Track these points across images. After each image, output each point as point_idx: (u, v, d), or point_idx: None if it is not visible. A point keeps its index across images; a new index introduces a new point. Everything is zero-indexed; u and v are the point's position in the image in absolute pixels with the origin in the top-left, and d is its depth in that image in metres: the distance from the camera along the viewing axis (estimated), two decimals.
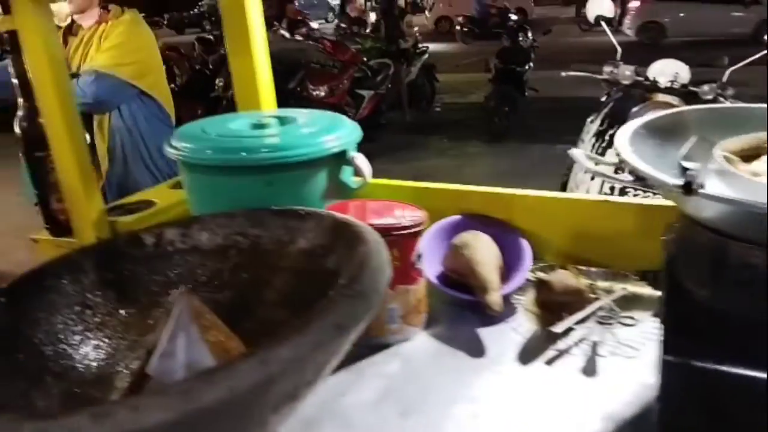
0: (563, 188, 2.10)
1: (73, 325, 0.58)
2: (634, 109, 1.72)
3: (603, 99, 2.24)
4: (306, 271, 0.62)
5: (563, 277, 0.69)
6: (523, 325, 0.68)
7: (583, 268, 0.74)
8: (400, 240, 0.65)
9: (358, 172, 0.75)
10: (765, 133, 0.55)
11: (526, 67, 5.44)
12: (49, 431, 0.33)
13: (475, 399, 0.58)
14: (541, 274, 0.69)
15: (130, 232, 0.65)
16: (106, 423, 0.33)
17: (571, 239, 0.77)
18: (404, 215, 0.68)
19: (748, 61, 1.68)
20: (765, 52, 1.69)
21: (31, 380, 0.51)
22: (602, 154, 1.78)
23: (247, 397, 0.37)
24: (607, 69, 1.85)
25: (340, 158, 0.71)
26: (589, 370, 0.60)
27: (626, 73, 1.78)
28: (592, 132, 1.86)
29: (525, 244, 0.76)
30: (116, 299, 0.62)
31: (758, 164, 0.53)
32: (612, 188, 1.69)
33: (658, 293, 0.68)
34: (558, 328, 0.64)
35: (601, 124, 1.84)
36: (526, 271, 0.73)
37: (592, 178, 1.77)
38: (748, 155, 0.56)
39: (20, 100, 0.66)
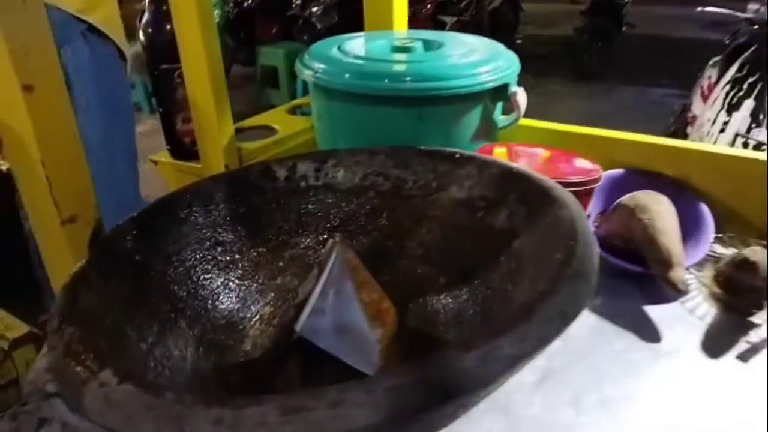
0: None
1: (204, 263, 0.53)
2: None
3: (727, 41, 1.97)
4: (460, 224, 0.54)
5: (756, 258, 0.57)
6: (701, 307, 0.58)
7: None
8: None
9: (509, 110, 0.64)
10: None
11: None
12: (235, 423, 0.26)
13: (654, 392, 0.49)
14: (737, 250, 0.57)
15: (261, 163, 0.58)
16: (298, 421, 0.27)
17: (760, 208, 0.64)
18: (574, 166, 0.57)
19: None
20: None
21: (164, 324, 0.46)
22: (738, 104, 1.57)
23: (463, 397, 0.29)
24: (753, 7, 1.59)
25: (498, 93, 0.60)
26: None
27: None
28: (727, 78, 1.63)
29: (705, 210, 0.64)
30: (246, 237, 0.55)
31: None
32: (745, 144, 1.49)
33: None
34: (758, 318, 0.53)
35: (740, 70, 1.61)
36: (707, 243, 0.61)
37: (722, 131, 1.57)
38: None
39: (146, 2, 0.58)
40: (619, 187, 0.66)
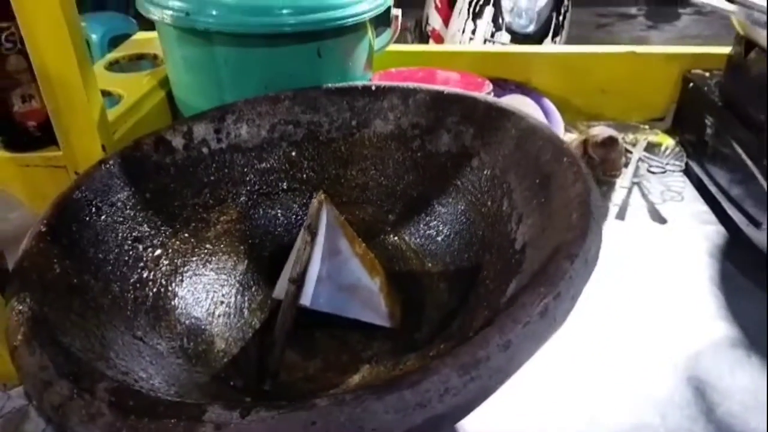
0: None
1: (133, 268, 0.42)
2: None
3: None
4: (395, 158, 0.53)
5: (613, 134, 0.69)
6: None
7: (599, 123, 0.76)
8: None
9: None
10: None
11: None
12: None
13: None
14: (596, 130, 0.68)
15: (152, 135, 0.47)
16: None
17: (587, 95, 0.77)
18: (467, 82, 0.60)
19: None
20: None
21: (131, 353, 0.37)
22: (480, 12, 1.79)
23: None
24: None
25: (384, 17, 0.59)
26: (658, 218, 0.64)
27: None
28: None
29: (550, 105, 0.74)
30: (163, 225, 0.46)
31: None
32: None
33: (673, 139, 0.73)
34: (624, 182, 0.66)
35: None
36: (560, 132, 0.72)
37: (471, 39, 1.78)
38: None
39: None
40: None
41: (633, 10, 4.18)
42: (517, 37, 1.79)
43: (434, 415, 0.25)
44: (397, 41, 0.66)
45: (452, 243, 0.48)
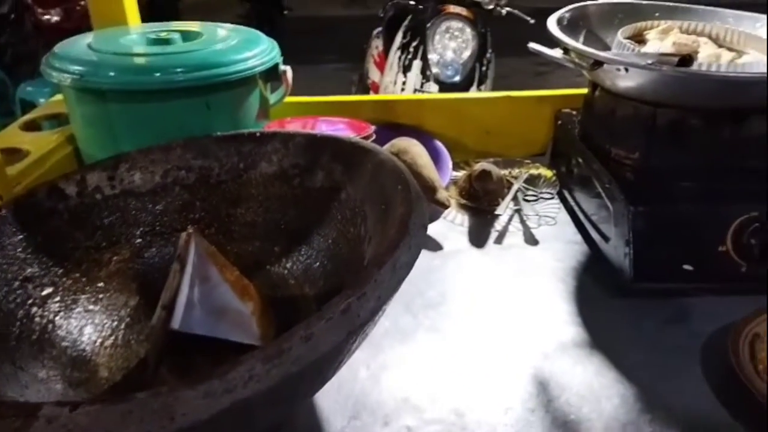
0: None
1: (21, 306, 0.46)
2: (434, 20, 1.87)
3: (381, 14, 2.36)
4: (279, 195, 0.59)
5: (488, 168, 0.77)
6: (458, 217, 0.76)
7: (486, 160, 0.84)
8: None
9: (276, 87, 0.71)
10: (648, 22, 0.70)
11: None
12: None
13: (456, 279, 0.64)
14: (478, 166, 0.76)
15: (46, 184, 0.52)
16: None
17: (473, 136, 0.86)
18: (350, 127, 0.67)
19: None
20: None
21: (6, 363, 0.40)
22: (410, 65, 1.92)
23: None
24: None
25: (271, 73, 0.66)
26: (532, 240, 0.71)
27: None
28: (396, 45, 1.96)
29: (441, 146, 0.82)
30: (54, 265, 0.50)
31: (650, 46, 0.67)
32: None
33: (551, 171, 0.82)
34: (500, 210, 0.73)
35: (404, 37, 1.96)
36: (449, 169, 0.80)
37: (403, 89, 1.90)
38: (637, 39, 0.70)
39: None
40: (376, 140, 0.79)
41: None
42: (445, 87, 1.92)
43: (240, 398, 0.29)
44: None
45: (326, 267, 0.54)
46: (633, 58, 0.57)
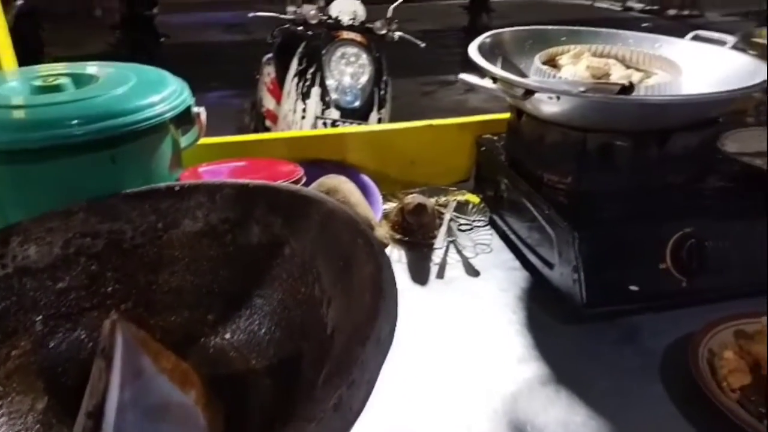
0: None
1: None
2: (329, 47, 1.85)
3: (270, 41, 2.30)
4: (209, 255, 0.52)
5: (422, 201, 0.75)
6: (394, 254, 0.73)
7: (413, 190, 0.82)
8: None
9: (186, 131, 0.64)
10: (560, 47, 0.72)
11: (154, 10, 5.02)
12: None
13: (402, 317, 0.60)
14: (410, 199, 0.73)
15: None
16: None
17: (398, 166, 0.83)
18: (279, 170, 0.62)
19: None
20: None
21: None
22: (308, 92, 1.87)
23: None
24: (291, 9, 1.91)
25: (184, 117, 0.59)
26: (472, 271, 0.69)
27: (311, 12, 1.87)
28: (293, 72, 1.91)
29: (368, 180, 0.79)
30: None
31: (565, 70, 0.68)
32: (324, 123, 1.82)
33: (477, 197, 0.82)
34: (438, 243, 0.71)
35: (300, 64, 1.91)
36: (379, 203, 0.76)
37: (303, 117, 1.85)
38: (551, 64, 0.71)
39: None
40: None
41: (451, 77, 4.69)
42: (346, 112, 1.90)
43: None
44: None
45: (274, 335, 0.48)
46: (563, 86, 0.57)
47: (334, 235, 0.44)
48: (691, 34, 0.75)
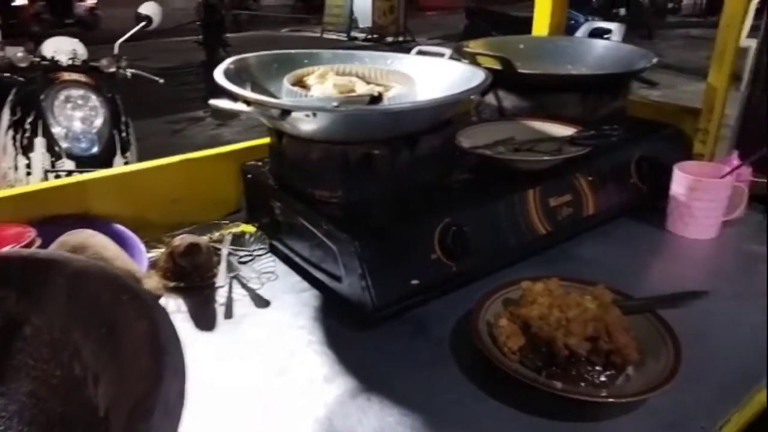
0: None
1: None
2: (48, 91, 1.59)
3: None
4: None
5: (194, 240, 0.69)
6: (171, 304, 0.65)
7: (181, 231, 0.75)
8: None
9: None
10: (305, 69, 0.73)
11: None
12: None
13: (195, 382, 0.54)
14: (178, 240, 0.66)
15: None
16: None
17: (158, 208, 0.75)
18: (1, 236, 0.51)
19: (128, 36, 1.82)
20: (135, 29, 1.86)
21: None
22: (30, 143, 1.58)
23: None
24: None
25: None
26: (262, 303, 0.66)
27: (19, 55, 1.59)
28: (5, 124, 1.60)
29: (123, 229, 0.69)
30: None
31: (315, 89, 0.70)
32: (57, 176, 1.56)
33: (253, 226, 0.79)
34: (220, 281, 0.66)
35: (13, 114, 1.60)
36: (143, 253, 0.68)
37: (29, 173, 1.56)
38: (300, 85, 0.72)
39: None
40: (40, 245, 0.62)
41: (200, 113, 4.52)
42: (83, 161, 1.67)
43: None
44: None
45: None
46: (317, 103, 0.58)
47: (90, 298, 0.37)
48: (415, 50, 0.83)
